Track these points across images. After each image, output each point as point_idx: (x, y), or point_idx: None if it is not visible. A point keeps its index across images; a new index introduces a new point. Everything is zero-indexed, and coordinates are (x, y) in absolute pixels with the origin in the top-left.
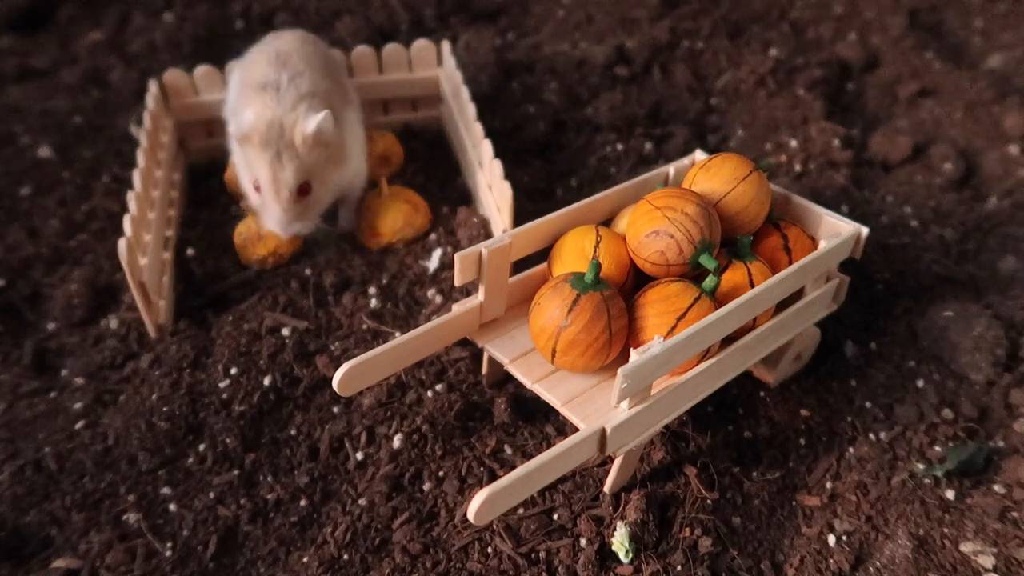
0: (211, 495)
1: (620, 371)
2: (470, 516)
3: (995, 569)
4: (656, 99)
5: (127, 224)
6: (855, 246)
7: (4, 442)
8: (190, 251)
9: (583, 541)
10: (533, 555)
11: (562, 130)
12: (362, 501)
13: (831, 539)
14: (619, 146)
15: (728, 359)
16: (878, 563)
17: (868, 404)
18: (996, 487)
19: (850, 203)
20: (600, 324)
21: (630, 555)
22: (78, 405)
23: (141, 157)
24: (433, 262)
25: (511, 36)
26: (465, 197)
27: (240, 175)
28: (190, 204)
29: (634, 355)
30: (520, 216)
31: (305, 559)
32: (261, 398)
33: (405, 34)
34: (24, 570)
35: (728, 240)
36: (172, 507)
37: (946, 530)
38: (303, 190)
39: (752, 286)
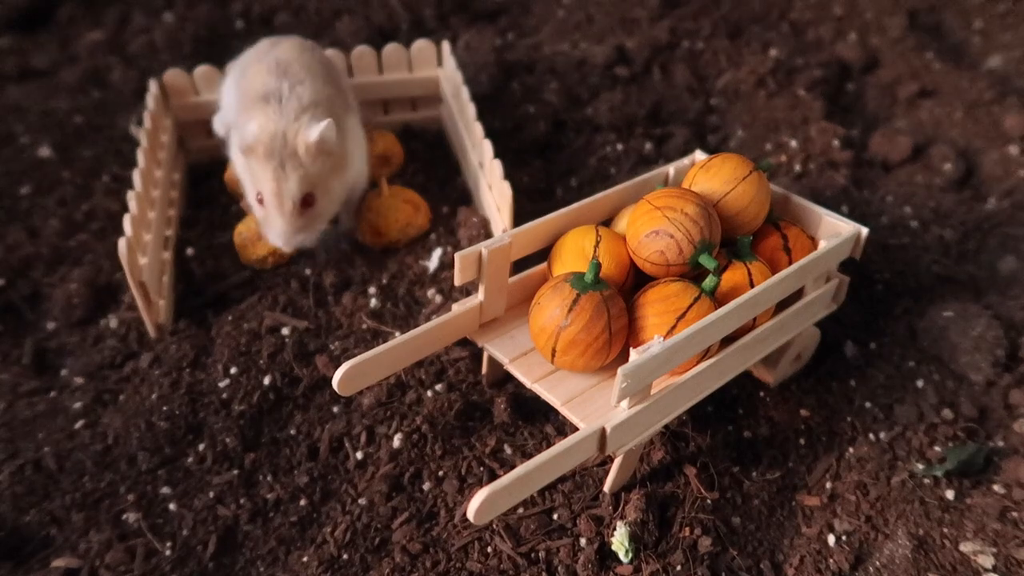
0: (211, 495)
1: (620, 371)
2: (470, 516)
3: (995, 569)
4: (656, 99)
5: (127, 224)
6: (855, 246)
7: (4, 442)
8: (190, 251)
9: (583, 541)
10: (533, 555)
11: (562, 130)
12: (362, 501)
13: (831, 539)
14: (619, 146)
15: (728, 359)
16: (878, 563)
17: (868, 404)
18: (996, 487)
19: (850, 203)
20: (600, 324)
21: (630, 555)
22: (78, 405)
23: (141, 157)
24: (433, 262)
25: (511, 36)
26: (465, 197)
27: (244, 188)
28: (190, 204)
29: (634, 355)
30: (520, 216)
31: (305, 559)
32: (261, 398)
33: (405, 34)
34: (24, 569)
35: (728, 240)
36: (172, 507)
37: (946, 530)
38: (307, 201)
39: (752, 286)
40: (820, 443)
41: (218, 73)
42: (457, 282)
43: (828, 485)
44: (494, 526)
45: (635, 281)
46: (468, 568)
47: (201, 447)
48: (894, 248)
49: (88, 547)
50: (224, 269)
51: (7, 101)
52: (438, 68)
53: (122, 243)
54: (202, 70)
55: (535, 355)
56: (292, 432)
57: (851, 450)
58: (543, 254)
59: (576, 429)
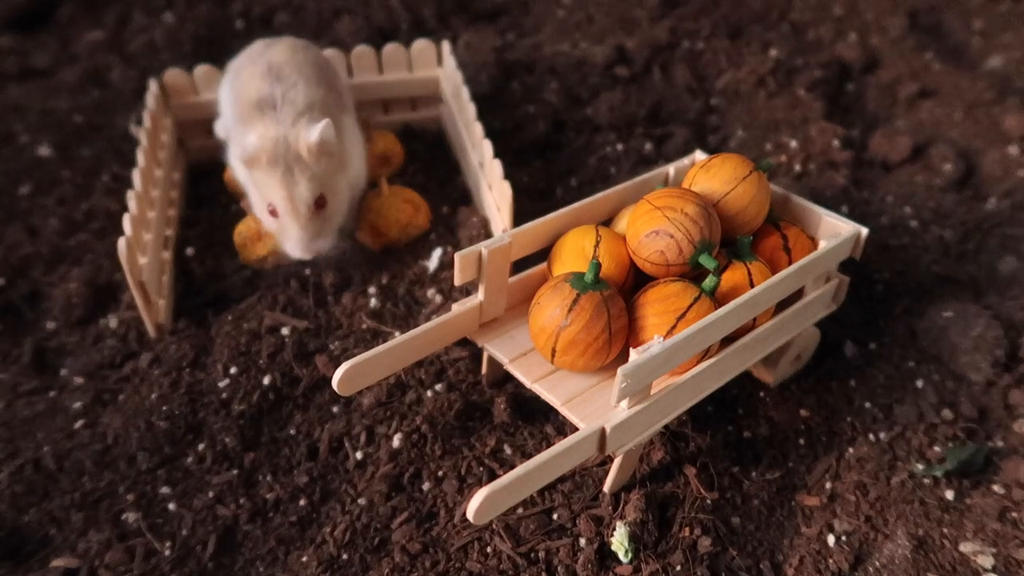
0: (210, 494)
1: (620, 371)
2: (469, 516)
3: (994, 569)
4: (656, 99)
5: (127, 223)
6: (855, 246)
7: (3, 441)
8: (190, 250)
9: (582, 541)
10: (532, 555)
11: (562, 130)
12: (361, 501)
13: (830, 539)
14: (619, 146)
15: (728, 359)
16: (877, 563)
17: (868, 404)
18: (995, 487)
19: (850, 203)
20: (600, 324)
21: (629, 555)
22: (77, 404)
23: (141, 156)
24: (433, 262)
25: (511, 36)
26: (465, 197)
27: (252, 204)
28: (190, 203)
29: (634, 355)
30: (520, 216)
31: (304, 558)
32: (260, 397)
33: (405, 34)
34: (23, 569)
35: (728, 240)
36: (171, 506)
37: (945, 530)
38: (319, 203)
39: (752, 286)
40: (820, 443)
41: (218, 73)
42: (457, 282)
43: (828, 485)
44: (494, 526)
45: (635, 281)
46: (468, 568)
47: (201, 447)
48: (894, 248)
49: (87, 547)
50: (224, 269)
51: (7, 100)
52: (438, 68)
53: (122, 242)
54: (202, 70)
55: (535, 355)
56: (292, 432)
57: (851, 450)
58: (543, 254)
59: (576, 429)
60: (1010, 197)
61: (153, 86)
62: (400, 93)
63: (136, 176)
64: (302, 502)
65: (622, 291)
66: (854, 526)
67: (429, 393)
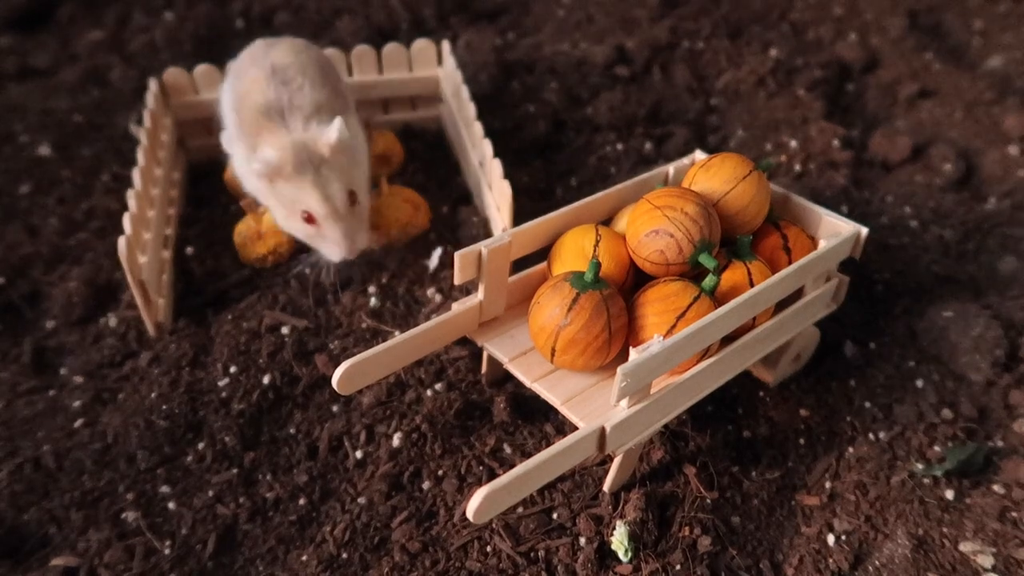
0: (210, 493)
1: (620, 370)
2: (469, 515)
3: (994, 569)
4: (656, 99)
5: (127, 222)
6: (855, 246)
7: (3, 440)
8: (190, 250)
9: (582, 540)
10: (532, 554)
11: (562, 130)
12: (361, 500)
13: (830, 539)
14: (619, 146)
15: (727, 358)
16: (877, 563)
17: (867, 404)
18: (995, 487)
19: (850, 203)
20: (599, 323)
21: (629, 554)
22: (77, 403)
23: (141, 155)
24: (433, 261)
25: (511, 36)
26: (465, 196)
27: (279, 218)
28: (190, 203)
29: (634, 354)
30: (520, 215)
31: (304, 558)
32: (260, 397)
33: (405, 34)
34: (23, 568)
35: (728, 239)
36: (171, 505)
37: (945, 530)
38: (351, 200)
39: (751, 285)
40: (820, 443)
41: (218, 72)
42: (457, 281)
43: (828, 485)
44: (493, 525)
45: (635, 280)
46: (467, 567)
47: (200, 446)
48: (894, 248)
49: (87, 546)
50: (224, 268)
51: (7, 100)
52: (438, 67)
53: (122, 242)
54: (202, 69)
55: (535, 354)
56: (291, 431)
57: (851, 450)
58: (543, 253)
59: (576, 428)
60: (1010, 197)
61: (153, 85)
62: (400, 93)
63: (136, 175)
64: (302, 501)
65: (622, 290)
66: (854, 526)
67: (429, 392)
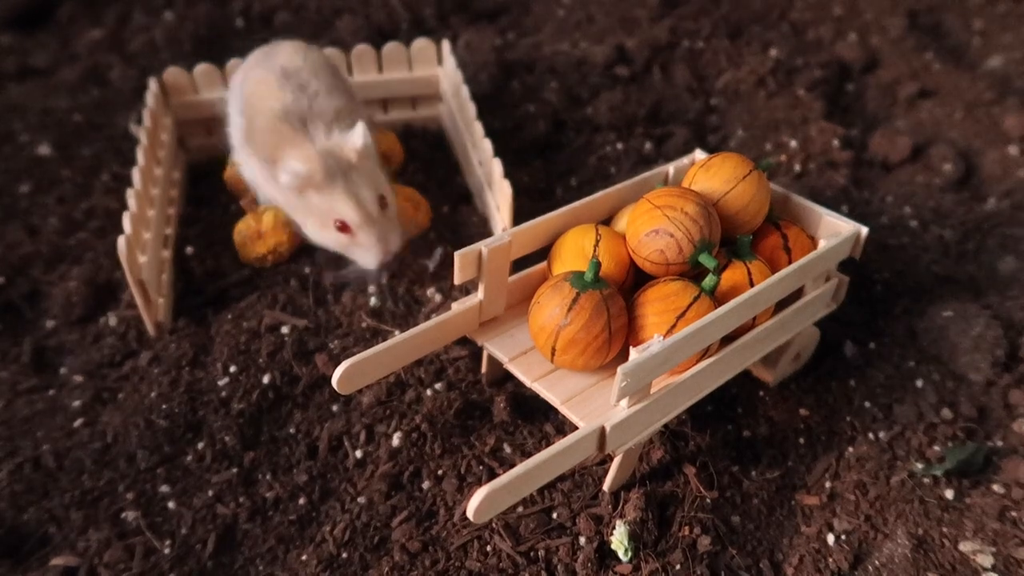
0: (210, 493)
1: (620, 369)
2: (469, 514)
3: (994, 568)
4: (656, 99)
5: (126, 222)
6: (855, 246)
7: (3, 440)
8: (189, 249)
9: (582, 540)
10: (532, 553)
11: (562, 130)
12: (361, 499)
13: (830, 538)
14: (619, 146)
15: (727, 358)
16: (877, 562)
17: (867, 404)
18: (995, 487)
19: (850, 203)
20: (600, 323)
21: (629, 554)
22: (77, 403)
23: (141, 155)
24: (433, 261)
25: (511, 36)
26: (465, 196)
27: (309, 229)
28: (189, 202)
29: (634, 353)
30: (520, 215)
31: (304, 557)
32: (260, 396)
33: (405, 33)
34: (22, 568)
35: (728, 239)
36: (171, 505)
37: (945, 529)
38: (381, 203)
39: (751, 285)
40: (819, 442)
41: (218, 71)
42: (457, 281)
43: (827, 484)
44: (493, 525)
45: (635, 280)
46: (467, 567)
47: (200, 445)
48: (894, 248)
49: (87, 545)
50: (224, 267)
51: (7, 100)
52: (438, 67)
53: (121, 241)
54: (202, 68)
55: (535, 354)
56: (291, 431)
57: (851, 449)
58: (543, 253)
59: (576, 428)
60: (1010, 197)
61: (153, 85)
62: (400, 92)
63: (136, 175)
64: (302, 501)
65: (622, 290)
66: (854, 525)
67: (429, 392)
